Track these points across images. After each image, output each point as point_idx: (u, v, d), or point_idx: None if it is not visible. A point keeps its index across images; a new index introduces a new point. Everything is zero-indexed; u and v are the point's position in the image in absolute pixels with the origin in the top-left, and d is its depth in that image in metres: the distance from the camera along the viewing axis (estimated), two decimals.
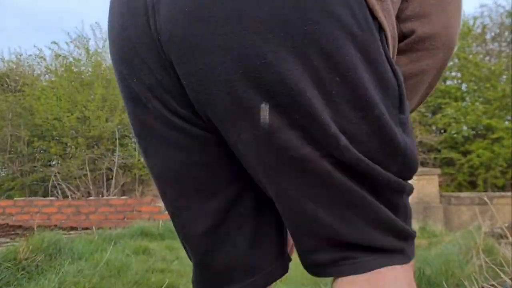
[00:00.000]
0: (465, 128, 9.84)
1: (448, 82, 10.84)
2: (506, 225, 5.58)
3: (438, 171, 6.02)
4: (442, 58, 0.78)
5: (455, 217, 5.61)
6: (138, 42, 0.66)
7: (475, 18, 13.52)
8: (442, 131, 10.35)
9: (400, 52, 0.75)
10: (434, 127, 10.17)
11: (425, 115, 10.31)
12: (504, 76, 10.46)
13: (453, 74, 11.18)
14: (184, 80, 0.63)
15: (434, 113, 10.70)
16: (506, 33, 13.57)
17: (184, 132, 0.68)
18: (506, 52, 13.08)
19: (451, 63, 11.11)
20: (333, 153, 0.60)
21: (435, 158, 10.18)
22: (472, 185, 9.80)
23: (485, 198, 2.48)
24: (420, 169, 6.42)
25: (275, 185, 0.65)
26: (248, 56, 0.58)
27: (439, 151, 10.17)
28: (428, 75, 0.80)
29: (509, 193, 5.79)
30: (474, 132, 9.70)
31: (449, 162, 10.40)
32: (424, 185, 5.53)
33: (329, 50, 0.58)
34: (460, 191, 10.00)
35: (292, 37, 0.57)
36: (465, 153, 9.88)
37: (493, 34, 13.75)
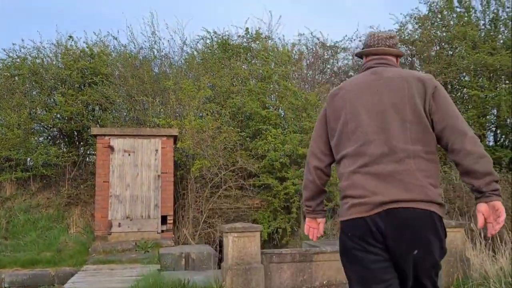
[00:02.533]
0: (282, 154, 9.95)
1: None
2: (325, 282, 5.68)
3: (260, 227, 5.64)
4: None
5: (276, 276, 5.30)
6: None
7: (293, 45, 14.20)
8: (261, 156, 10.35)
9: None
10: (253, 152, 10.08)
11: (246, 139, 10.15)
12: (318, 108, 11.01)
13: (271, 100, 11.36)
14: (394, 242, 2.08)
15: (253, 137, 10.66)
16: (320, 62, 14.62)
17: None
18: (318, 81, 14.07)
19: (271, 87, 11.25)
20: None
21: (253, 184, 10.10)
22: (287, 211, 10.00)
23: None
24: (241, 225, 6.16)
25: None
26: None
27: (258, 176, 10.14)
28: None
29: (327, 249, 5.74)
30: (290, 159, 9.88)
31: (266, 188, 10.45)
32: (245, 243, 5.08)
33: None
34: (275, 216, 10.13)
35: None
36: (281, 179, 10.03)
37: (308, 61, 14.68)
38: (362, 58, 2.54)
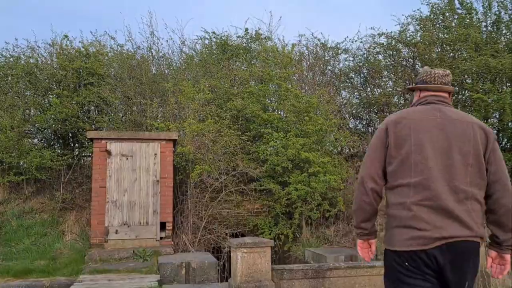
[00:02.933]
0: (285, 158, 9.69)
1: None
2: None
3: (270, 242, 5.37)
4: None
5: None
6: None
7: (293, 45, 13.94)
8: (263, 160, 10.07)
9: None
10: (254, 155, 9.80)
11: (246, 142, 9.88)
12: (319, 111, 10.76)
13: (273, 103, 11.09)
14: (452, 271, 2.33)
15: (254, 140, 10.38)
16: (320, 64, 14.37)
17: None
18: (320, 82, 13.82)
19: (271, 89, 10.98)
20: None
21: (254, 189, 9.82)
22: (289, 216, 9.74)
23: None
24: (251, 240, 5.89)
25: None
26: None
27: (259, 181, 9.87)
28: None
29: (341, 265, 5.47)
30: (292, 164, 9.62)
31: (268, 193, 10.19)
32: (255, 260, 4.81)
33: None
34: (277, 222, 9.87)
35: None
36: (284, 184, 9.77)
37: (308, 63, 14.43)
38: (413, 91, 2.76)
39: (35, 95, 11.06)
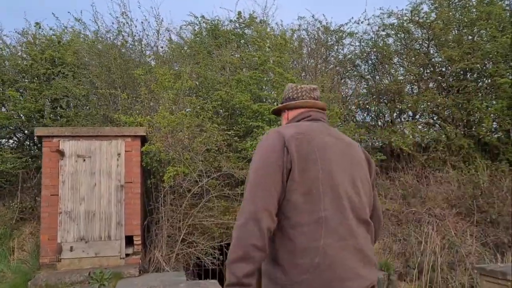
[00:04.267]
0: None
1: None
2: None
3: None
4: None
5: None
6: None
7: (293, 31, 12.44)
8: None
9: None
10: (243, 154, 8.32)
11: (234, 139, 8.39)
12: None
13: (267, 91, 9.58)
14: None
15: (244, 136, 8.90)
16: (323, 50, 12.83)
17: None
18: (322, 70, 12.28)
19: (265, 79, 9.48)
20: None
21: (242, 194, 8.33)
22: None
23: None
24: None
25: None
26: None
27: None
28: None
29: None
30: None
31: None
32: None
33: None
34: None
35: None
36: None
37: (309, 49, 12.91)
38: (279, 114, 2.38)
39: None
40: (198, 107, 8.26)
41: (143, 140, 7.22)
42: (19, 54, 10.92)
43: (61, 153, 6.78)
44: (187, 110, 8.23)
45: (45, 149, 6.78)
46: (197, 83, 9.12)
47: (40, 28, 11.32)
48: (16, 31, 11.27)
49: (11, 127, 9.71)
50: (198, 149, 7.57)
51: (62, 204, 6.75)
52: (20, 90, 10.03)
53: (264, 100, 9.10)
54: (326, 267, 1.78)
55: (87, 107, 9.08)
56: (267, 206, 1.80)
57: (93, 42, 9.21)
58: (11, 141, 10.19)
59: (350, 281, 1.80)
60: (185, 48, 11.90)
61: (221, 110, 9.12)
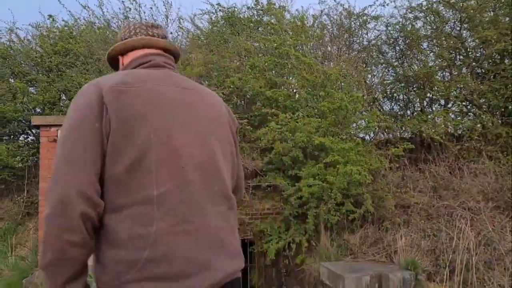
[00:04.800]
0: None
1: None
2: None
3: None
4: None
5: None
6: None
7: (314, 18, 11.79)
8: (268, 149, 8.01)
9: None
10: (257, 144, 7.74)
11: (247, 128, 7.83)
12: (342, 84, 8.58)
13: (285, 78, 8.96)
14: None
15: (260, 125, 8.31)
16: (346, 35, 12.11)
17: None
18: (345, 57, 11.56)
19: (280, 63, 8.84)
20: None
21: (256, 186, 7.77)
22: (303, 219, 7.64)
23: None
24: None
25: None
26: None
27: (262, 175, 7.82)
28: None
29: None
30: (304, 153, 7.51)
31: (276, 190, 8.13)
32: None
33: None
34: (288, 226, 7.79)
35: None
36: (295, 178, 7.69)
37: (331, 35, 12.20)
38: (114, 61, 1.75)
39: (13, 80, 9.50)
40: None
41: None
42: (32, 47, 10.74)
43: None
44: None
45: (42, 139, 6.40)
46: (208, 71, 8.58)
47: (53, 20, 11.12)
48: (30, 25, 11.07)
49: (23, 120, 9.47)
50: None
51: None
52: (31, 83, 9.80)
53: (280, 87, 8.48)
54: (158, 260, 1.33)
55: None
56: (80, 186, 1.31)
57: (99, 29, 8.83)
58: (24, 135, 9.98)
59: (193, 277, 1.34)
60: (202, 38, 11.47)
61: (235, 98, 8.56)
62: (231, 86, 8.17)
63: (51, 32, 11.00)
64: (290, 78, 8.67)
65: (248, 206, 8.06)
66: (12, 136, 9.33)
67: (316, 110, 7.98)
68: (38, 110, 9.48)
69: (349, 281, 5.48)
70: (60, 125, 6.40)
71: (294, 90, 8.66)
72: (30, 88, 9.77)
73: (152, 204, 1.35)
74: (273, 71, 8.51)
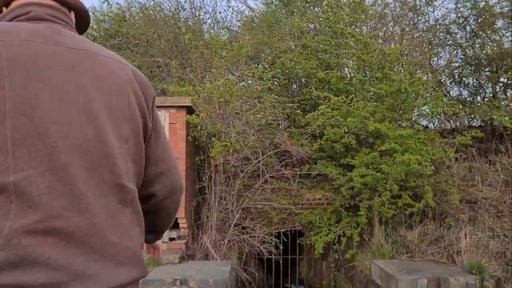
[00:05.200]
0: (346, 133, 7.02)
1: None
2: None
3: None
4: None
5: None
6: None
7: None
8: (319, 135, 7.48)
9: None
10: (308, 129, 7.23)
11: (297, 112, 7.33)
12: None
13: (341, 59, 8.32)
14: None
15: (311, 109, 7.78)
16: (410, 14, 11.19)
17: None
18: (409, 37, 10.68)
19: (333, 43, 8.21)
20: None
21: (306, 175, 7.27)
22: (355, 211, 7.07)
23: None
24: None
25: None
26: None
27: (311, 163, 7.31)
28: None
29: None
30: (357, 139, 6.92)
31: (323, 179, 7.60)
32: None
33: None
34: (340, 218, 7.26)
35: None
36: (347, 167, 7.13)
37: (394, 14, 11.32)
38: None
39: None
40: (256, 76, 7.31)
41: (190, 111, 6.44)
42: (88, 31, 10.84)
43: None
44: (242, 82, 7.32)
45: None
46: (258, 52, 8.15)
47: (109, 5, 11.20)
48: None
49: None
50: (253, 122, 6.64)
51: None
52: None
53: (334, 68, 7.88)
54: (12, 266, 0.99)
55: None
56: None
57: (145, 9, 8.64)
58: None
59: (61, 286, 1.00)
60: (255, 20, 11.04)
61: (285, 81, 8.07)
62: (282, 68, 7.69)
63: (106, 16, 11.08)
64: (345, 60, 8.03)
65: (296, 195, 7.60)
66: None
67: (372, 94, 7.33)
68: None
69: (403, 283, 4.89)
70: None
71: (349, 72, 8.01)
72: None
73: (8, 194, 1.00)
74: (327, 52, 7.92)
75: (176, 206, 1.49)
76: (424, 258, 5.91)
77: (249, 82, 7.61)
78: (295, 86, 8.08)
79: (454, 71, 10.76)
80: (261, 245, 6.93)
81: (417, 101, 7.32)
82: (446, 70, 10.76)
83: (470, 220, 6.35)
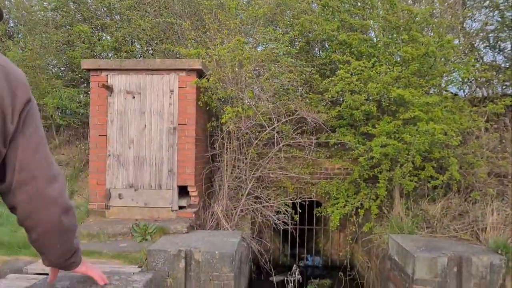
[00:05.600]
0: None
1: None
2: None
3: None
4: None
5: None
6: None
7: None
8: (337, 102, 7.08)
9: None
10: (326, 96, 6.81)
11: (315, 77, 6.91)
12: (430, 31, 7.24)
13: (365, 19, 7.75)
14: None
15: (331, 73, 7.33)
16: None
17: None
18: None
19: (359, 4, 7.64)
20: None
21: (324, 144, 6.92)
22: (373, 181, 6.72)
23: None
24: None
25: None
26: None
27: (329, 131, 6.93)
28: None
29: None
30: (379, 107, 6.49)
31: (342, 149, 7.24)
32: None
33: None
34: (358, 190, 6.92)
35: None
36: (368, 136, 6.74)
37: None
38: None
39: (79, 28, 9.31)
40: (273, 39, 6.88)
41: (201, 75, 6.12)
42: None
43: (109, 89, 5.99)
44: (259, 46, 6.91)
45: (93, 84, 6.05)
46: (275, 12, 7.66)
47: None
48: None
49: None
50: (267, 87, 6.28)
51: (111, 146, 6.04)
52: (101, 28, 9.55)
53: (356, 30, 7.35)
54: None
55: (155, 43, 8.20)
56: None
57: None
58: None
59: None
60: None
61: (304, 44, 7.60)
62: (300, 30, 7.22)
63: None
64: (369, 21, 7.48)
65: (313, 165, 7.28)
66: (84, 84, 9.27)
67: (397, 58, 6.82)
68: (110, 55, 9.29)
69: (421, 263, 4.57)
70: (111, 70, 6.00)
71: (373, 34, 7.47)
72: (101, 33, 9.57)
73: None
74: (350, 13, 7.37)
75: (54, 225, 1.30)
76: (446, 234, 5.55)
77: (267, 45, 7.18)
78: (316, 50, 7.61)
79: (489, 35, 10.01)
80: (275, 215, 6.69)
81: (446, 66, 6.77)
82: (481, 34, 10.01)
83: (498, 195, 5.91)
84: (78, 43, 8.76)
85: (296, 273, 5.48)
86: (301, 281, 5.86)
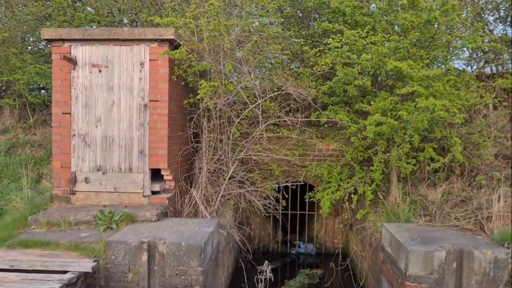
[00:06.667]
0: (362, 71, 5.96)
1: None
2: None
3: None
4: None
5: None
6: None
7: None
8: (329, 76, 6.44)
9: None
10: (318, 70, 6.16)
11: (304, 49, 6.27)
12: None
13: None
14: None
15: (325, 48, 6.67)
16: None
17: None
18: None
19: None
20: None
21: (317, 123, 6.31)
22: (369, 164, 6.12)
23: None
24: None
25: None
26: None
27: (319, 109, 6.31)
28: None
29: None
30: (374, 81, 5.85)
31: (335, 128, 6.63)
32: None
33: None
34: (352, 173, 6.33)
35: None
36: (363, 114, 6.13)
37: None
38: None
39: None
40: (259, 7, 6.21)
41: (176, 46, 5.49)
42: None
43: (73, 61, 5.39)
44: (242, 13, 6.25)
45: (54, 56, 5.45)
46: None
47: None
48: None
49: None
50: (250, 60, 5.64)
51: (76, 125, 5.47)
52: None
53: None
54: None
55: (134, 13, 7.56)
56: None
57: None
58: None
59: None
60: None
61: (293, 12, 6.94)
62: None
63: None
64: None
65: (304, 146, 6.68)
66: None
67: (396, 27, 6.15)
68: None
69: (415, 257, 3.99)
70: (75, 40, 5.40)
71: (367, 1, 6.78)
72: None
73: None
74: None
75: None
76: (446, 223, 4.96)
77: (252, 15, 6.53)
78: (303, 17, 6.92)
79: (500, 6, 9.25)
80: (260, 200, 6.13)
81: (450, 35, 6.08)
82: (490, 6, 9.25)
83: (506, 180, 5.29)
84: (56, 16, 8.13)
85: (268, 271, 4.90)
86: (273, 280, 5.27)
